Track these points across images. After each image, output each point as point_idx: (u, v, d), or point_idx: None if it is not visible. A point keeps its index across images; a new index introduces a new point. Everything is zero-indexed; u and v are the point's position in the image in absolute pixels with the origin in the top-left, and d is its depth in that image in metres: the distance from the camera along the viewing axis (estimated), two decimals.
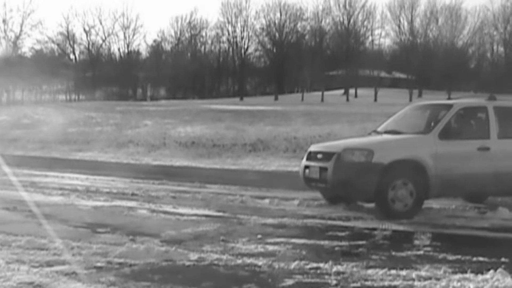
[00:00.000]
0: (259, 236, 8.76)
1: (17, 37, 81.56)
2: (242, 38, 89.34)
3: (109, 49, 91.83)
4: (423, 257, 7.59)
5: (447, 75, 75.92)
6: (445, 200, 11.66)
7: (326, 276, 6.60)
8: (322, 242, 8.44)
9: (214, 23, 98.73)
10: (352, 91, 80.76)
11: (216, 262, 7.20)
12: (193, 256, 7.41)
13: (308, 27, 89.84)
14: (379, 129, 12.23)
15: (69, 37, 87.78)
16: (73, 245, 7.92)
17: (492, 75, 79.21)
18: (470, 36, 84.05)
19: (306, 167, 11.52)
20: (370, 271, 6.72)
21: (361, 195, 11.05)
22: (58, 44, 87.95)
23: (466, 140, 11.14)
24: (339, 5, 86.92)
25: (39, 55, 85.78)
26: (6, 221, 9.99)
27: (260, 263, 7.10)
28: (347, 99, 75.84)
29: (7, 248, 7.85)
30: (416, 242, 8.56)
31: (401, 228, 9.65)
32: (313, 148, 11.85)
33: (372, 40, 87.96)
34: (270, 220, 10.06)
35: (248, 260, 7.23)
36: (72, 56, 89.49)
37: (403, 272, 6.65)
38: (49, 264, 7.03)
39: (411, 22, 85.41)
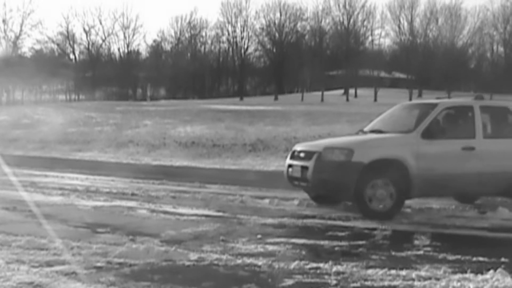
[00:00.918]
0: (259, 236, 8.77)
1: (17, 37, 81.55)
2: (242, 38, 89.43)
3: (109, 49, 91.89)
4: (423, 257, 7.59)
5: (447, 75, 75.94)
6: (444, 200, 11.67)
7: (326, 276, 6.60)
8: (322, 242, 8.44)
9: (214, 23, 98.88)
10: (352, 91, 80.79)
11: (216, 262, 7.20)
12: (193, 256, 7.41)
13: (308, 27, 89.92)
14: (365, 129, 12.21)
15: (69, 37, 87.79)
16: (73, 245, 7.92)
17: (492, 75, 79.25)
18: (470, 36, 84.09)
19: (290, 166, 11.55)
20: (370, 271, 6.72)
21: (340, 194, 11.07)
22: (58, 44, 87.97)
23: (450, 140, 11.09)
24: (339, 5, 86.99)
25: (39, 55, 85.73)
26: (6, 221, 9.99)
27: (260, 263, 7.10)
28: (347, 99, 75.85)
29: (7, 248, 7.85)
30: (416, 242, 8.56)
31: (401, 228, 9.66)
32: (296, 147, 11.87)
33: (372, 40, 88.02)
34: (270, 220, 10.07)
35: (248, 260, 7.23)
36: (72, 56, 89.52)
37: (403, 272, 6.65)
38: (49, 264, 7.02)
39: (411, 22, 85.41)
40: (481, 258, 7.44)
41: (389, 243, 8.69)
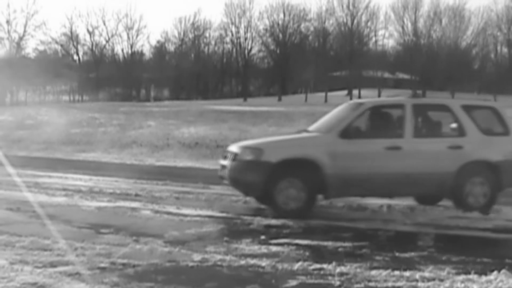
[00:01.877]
0: (262, 237, 8.77)
1: (21, 38, 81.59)
2: (245, 39, 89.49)
3: (113, 50, 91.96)
4: (427, 258, 7.59)
5: (450, 76, 75.98)
6: (447, 201, 11.64)
7: (330, 277, 6.60)
8: (325, 243, 8.44)
9: (217, 24, 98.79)
10: (355, 91, 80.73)
11: (219, 263, 7.21)
12: (197, 257, 7.42)
13: (312, 28, 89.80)
14: (310, 128, 12.22)
15: (72, 38, 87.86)
16: (77, 245, 7.92)
17: (496, 76, 79.23)
18: (474, 37, 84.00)
19: (220, 165, 11.74)
20: (373, 272, 6.72)
21: (251, 193, 11.21)
22: (61, 45, 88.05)
23: (372, 139, 11.05)
24: (342, 6, 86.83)
25: (43, 56, 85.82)
26: (9, 221, 10.00)
27: (263, 264, 7.11)
28: (351, 100, 75.81)
29: (11, 249, 7.86)
30: (420, 243, 8.58)
31: (404, 229, 9.65)
32: (228, 147, 12.06)
33: (376, 41, 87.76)
34: (273, 221, 10.05)
35: (252, 261, 7.24)
36: (75, 57, 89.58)
37: (407, 273, 6.65)
38: (52, 264, 7.03)
39: (414, 23, 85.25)
40: (485, 259, 7.44)
41: (392, 244, 8.69)
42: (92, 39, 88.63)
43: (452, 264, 7.16)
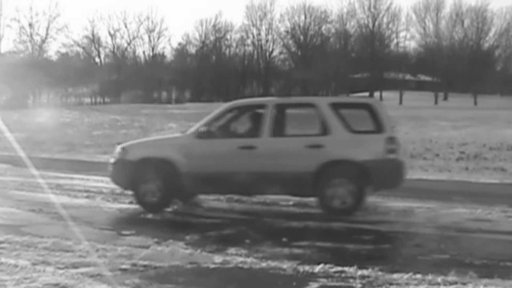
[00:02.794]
0: (284, 239, 8.74)
1: (43, 41, 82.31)
2: (266, 41, 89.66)
3: (134, 52, 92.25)
4: (449, 261, 7.50)
5: (472, 78, 75.48)
6: (470, 204, 11.55)
7: (351, 280, 6.57)
8: (347, 246, 8.41)
9: (238, 26, 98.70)
10: (377, 94, 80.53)
11: (240, 265, 7.20)
12: (218, 259, 7.42)
13: (333, 30, 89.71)
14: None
15: (94, 40, 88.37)
16: (98, 247, 7.96)
17: None
18: (497, 38, 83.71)
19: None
20: (395, 275, 6.67)
21: (123, 188, 11.99)
22: (83, 48, 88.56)
23: (227, 139, 11.28)
24: (363, 8, 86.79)
25: (65, 58, 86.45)
26: (32, 222, 10.07)
27: (284, 266, 7.09)
28: None
29: (33, 250, 7.92)
30: (442, 246, 8.48)
31: (426, 231, 9.58)
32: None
33: (397, 43, 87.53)
34: (295, 223, 10.03)
35: (273, 263, 7.22)
36: (97, 59, 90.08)
37: (429, 277, 6.58)
38: (74, 266, 7.07)
39: (436, 24, 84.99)
40: (508, 263, 7.35)
41: (414, 246, 8.62)
42: (113, 41, 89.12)
43: (475, 268, 7.08)
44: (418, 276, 6.62)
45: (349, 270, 6.90)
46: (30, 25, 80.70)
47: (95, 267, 6.99)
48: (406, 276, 6.63)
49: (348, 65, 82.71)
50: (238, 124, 11.80)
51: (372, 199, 11.57)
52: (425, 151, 21.07)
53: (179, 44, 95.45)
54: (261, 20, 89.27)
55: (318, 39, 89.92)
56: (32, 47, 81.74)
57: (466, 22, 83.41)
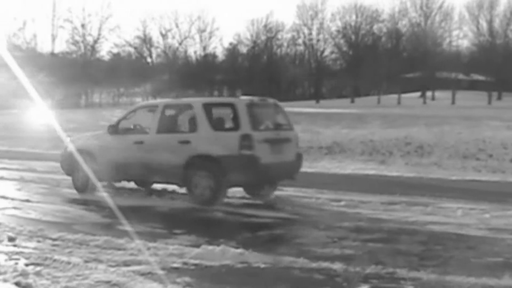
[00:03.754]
0: (335, 239, 8.71)
1: (95, 41, 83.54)
2: (318, 40, 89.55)
3: (186, 52, 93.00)
4: (503, 264, 7.37)
5: None
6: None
7: (402, 282, 6.52)
8: (398, 247, 8.34)
9: (290, 26, 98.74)
10: (429, 93, 79.73)
11: (291, 265, 7.20)
12: (268, 258, 7.42)
13: (385, 29, 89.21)
14: None
15: (146, 40, 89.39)
16: (150, 245, 8.03)
17: None
18: None
19: None
20: (447, 278, 6.59)
21: (66, 174, 14.03)
22: (135, 48, 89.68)
23: (128, 135, 13.13)
24: (415, 6, 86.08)
25: (117, 58, 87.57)
26: (85, 221, 10.21)
27: (335, 267, 7.06)
28: (424, 102, 74.94)
29: (86, 247, 8.03)
30: (495, 248, 8.33)
31: (479, 233, 9.42)
32: None
33: (450, 42, 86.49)
34: (346, 224, 9.96)
35: (324, 264, 7.19)
36: (149, 59, 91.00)
37: (482, 280, 6.49)
38: (126, 263, 7.15)
39: (490, 23, 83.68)
40: None
41: (466, 249, 8.49)
42: (165, 41, 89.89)
43: None
44: (471, 279, 6.53)
45: (401, 271, 6.84)
46: (83, 25, 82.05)
47: (146, 265, 7.06)
48: (458, 278, 6.54)
49: (400, 64, 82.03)
50: (140, 122, 13.47)
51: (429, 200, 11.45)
52: (478, 151, 20.71)
53: (230, 44, 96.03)
54: (312, 19, 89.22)
55: (370, 38, 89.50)
56: (84, 47, 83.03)
57: None
